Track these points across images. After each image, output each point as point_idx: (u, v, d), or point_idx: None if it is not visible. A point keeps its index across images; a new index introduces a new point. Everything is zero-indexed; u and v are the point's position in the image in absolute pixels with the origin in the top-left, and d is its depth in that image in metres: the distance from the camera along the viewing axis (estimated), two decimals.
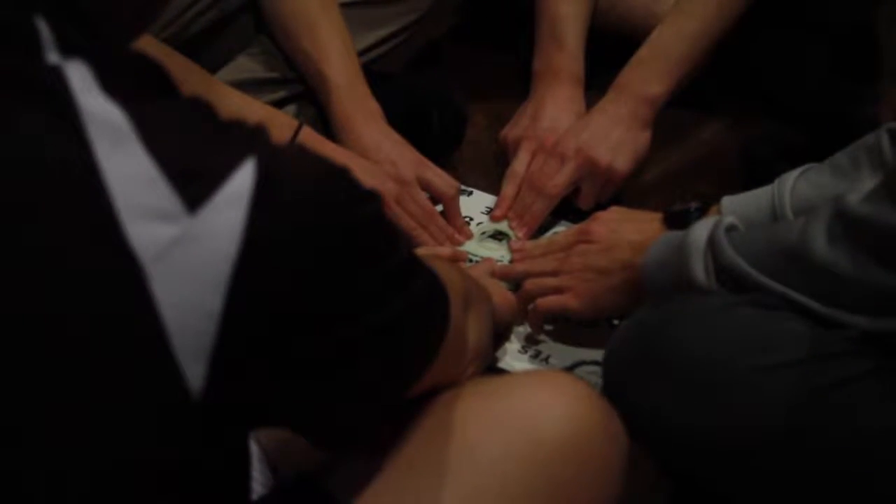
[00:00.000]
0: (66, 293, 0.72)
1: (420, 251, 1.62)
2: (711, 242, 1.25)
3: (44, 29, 0.75)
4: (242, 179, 0.74)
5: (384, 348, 0.84)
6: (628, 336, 1.27)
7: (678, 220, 1.51)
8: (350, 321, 0.79)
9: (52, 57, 0.74)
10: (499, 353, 1.55)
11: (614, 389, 1.23)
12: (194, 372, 0.74)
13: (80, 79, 0.74)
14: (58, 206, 0.72)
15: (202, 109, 0.79)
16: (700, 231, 1.27)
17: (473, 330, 1.09)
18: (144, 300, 0.72)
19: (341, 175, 0.79)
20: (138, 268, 0.72)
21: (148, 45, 1.59)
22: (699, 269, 1.25)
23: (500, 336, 1.49)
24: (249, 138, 0.77)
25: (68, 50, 0.75)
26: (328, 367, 0.80)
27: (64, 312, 0.72)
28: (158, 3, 0.86)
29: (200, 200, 0.73)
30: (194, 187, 0.73)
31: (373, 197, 0.81)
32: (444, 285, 0.92)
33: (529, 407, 1.00)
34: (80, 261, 0.72)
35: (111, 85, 0.74)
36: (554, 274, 1.52)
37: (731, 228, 1.27)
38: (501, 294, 1.45)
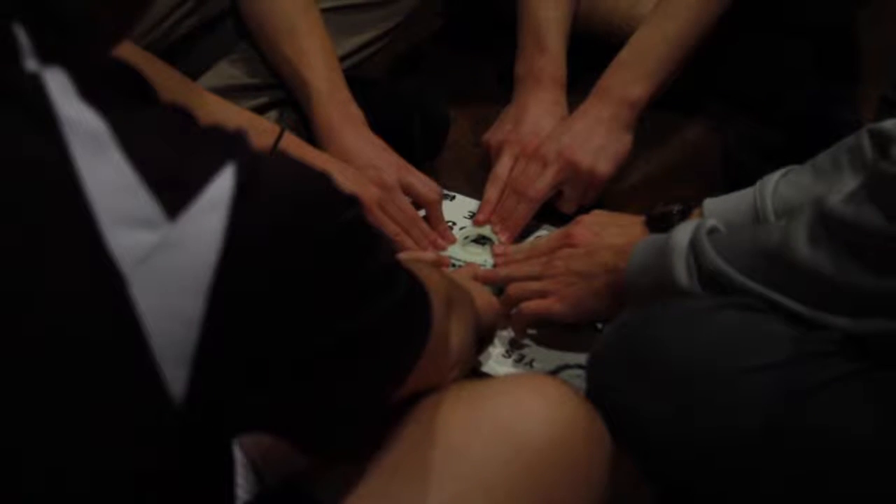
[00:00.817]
0: (46, 301, 0.72)
1: (403, 256, 1.62)
2: (693, 245, 1.25)
3: (21, 36, 0.75)
4: (222, 185, 0.74)
5: (365, 353, 0.84)
6: (611, 340, 1.26)
7: (660, 223, 1.51)
8: (330, 326, 0.79)
9: (31, 64, 0.74)
10: (482, 358, 1.54)
11: (598, 393, 1.23)
12: (176, 378, 0.74)
13: (59, 86, 0.74)
14: (37, 213, 0.72)
15: (181, 115, 0.79)
16: (682, 234, 1.27)
17: (456, 334, 1.09)
18: (125, 307, 0.72)
19: (321, 181, 0.79)
20: (118, 275, 0.72)
21: (128, 51, 1.57)
22: (682, 272, 1.25)
23: (483, 340, 1.48)
24: (229, 144, 0.77)
25: (47, 57, 0.74)
26: (309, 371, 0.80)
27: (44, 318, 0.72)
28: (137, 11, 0.86)
29: (180, 207, 0.73)
30: (174, 194, 0.73)
31: (353, 202, 0.81)
32: (425, 289, 0.92)
33: (512, 411, 1.00)
34: (60, 267, 0.72)
35: (90, 92, 0.74)
36: (537, 278, 1.52)
37: (712, 231, 1.27)
38: (484, 298, 1.45)
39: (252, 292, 0.75)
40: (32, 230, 0.72)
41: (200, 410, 0.75)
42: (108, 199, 0.72)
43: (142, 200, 0.72)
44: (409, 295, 0.90)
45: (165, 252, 0.72)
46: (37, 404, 0.73)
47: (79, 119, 0.73)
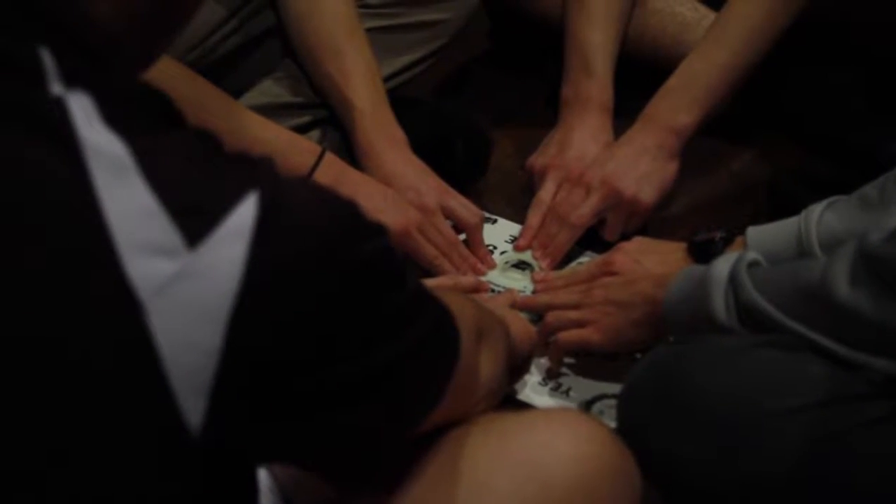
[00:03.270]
0: (65, 326, 0.71)
1: (439, 281, 1.61)
2: (732, 279, 1.23)
3: (47, 59, 0.74)
4: (244, 214, 0.73)
5: (389, 387, 0.82)
6: (644, 375, 1.25)
7: (702, 251, 1.50)
8: (353, 359, 0.78)
9: (56, 88, 0.73)
10: (518, 386, 1.53)
11: (629, 429, 1.21)
12: (193, 408, 0.73)
13: (83, 110, 0.73)
14: (58, 239, 0.72)
15: (207, 141, 0.78)
16: (722, 267, 1.25)
17: (486, 365, 1.07)
18: (142, 335, 0.71)
19: (347, 209, 0.78)
20: (137, 303, 0.71)
21: (172, 68, 1.59)
22: (720, 306, 1.23)
23: (519, 369, 1.47)
24: (253, 171, 0.76)
25: (71, 81, 0.74)
26: (330, 403, 0.79)
27: (62, 345, 0.71)
28: (167, 36, 0.85)
29: (201, 235, 0.72)
30: (195, 222, 0.72)
31: (379, 231, 0.80)
32: (454, 321, 0.91)
33: (540, 447, 0.98)
34: (79, 294, 0.71)
35: (114, 116, 0.73)
36: (576, 307, 1.50)
37: (753, 264, 1.25)
38: (521, 326, 1.43)
39: (272, 323, 0.73)
40: (54, 258, 0.71)
41: (219, 441, 0.74)
42: (127, 226, 0.71)
43: (162, 228, 0.71)
44: (437, 326, 0.88)
45: (185, 281, 0.71)
46: (53, 432, 0.72)
47: (101, 144, 0.72)
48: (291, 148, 1.68)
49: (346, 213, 0.78)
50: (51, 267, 0.71)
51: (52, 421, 0.72)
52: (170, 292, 0.71)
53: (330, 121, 1.83)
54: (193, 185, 0.74)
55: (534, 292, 1.67)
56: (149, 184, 0.72)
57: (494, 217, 1.86)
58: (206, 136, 0.78)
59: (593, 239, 1.78)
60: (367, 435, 0.85)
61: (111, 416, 0.72)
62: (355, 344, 0.78)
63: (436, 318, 0.88)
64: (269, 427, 0.77)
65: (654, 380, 1.23)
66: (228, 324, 0.72)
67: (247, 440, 0.77)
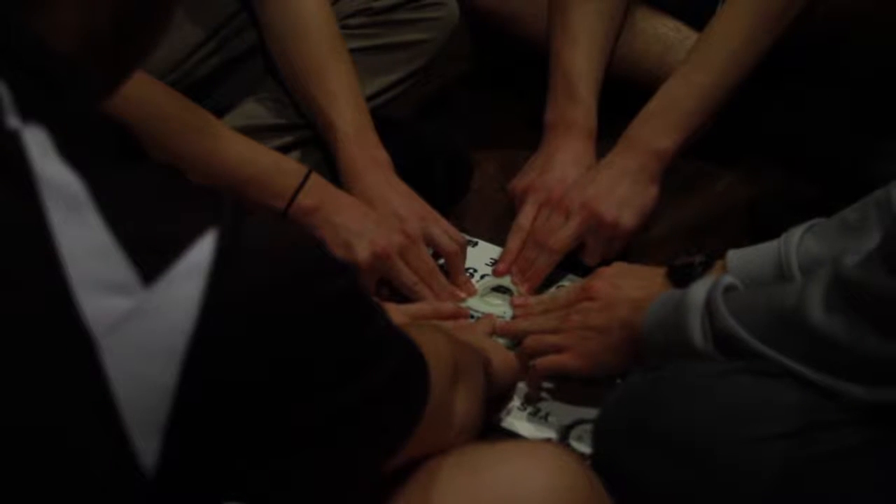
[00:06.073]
0: (15, 364, 0.70)
1: (419, 307, 1.60)
2: (709, 304, 1.22)
3: (4, 93, 0.73)
4: (202, 251, 0.72)
5: (352, 427, 0.81)
6: (619, 402, 1.24)
7: (681, 276, 1.48)
8: (313, 401, 0.77)
9: (12, 121, 0.73)
10: (501, 413, 1.51)
11: (603, 456, 1.20)
12: (147, 448, 0.72)
13: (38, 144, 0.72)
14: (9, 275, 0.70)
15: (168, 175, 0.77)
16: (698, 292, 1.24)
17: (462, 402, 1.06)
18: (95, 374, 0.70)
19: (310, 248, 0.77)
20: (90, 341, 0.70)
21: (156, 88, 1.58)
22: (696, 332, 1.22)
23: (502, 398, 1.46)
24: (214, 207, 0.74)
25: (29, 114, 0.73)
26: (288, 444, 0.78)
27: (12, 384, 0.70)
28: (129, 67, 0.85)
29: (157, 272, 0.71)
30: (151, 259, 0.71)
31: (343, 270, 0.79)
32: (424, 359, 0.90)
33: (511, 481, 0.98)
34: (30, 332, 0.70)
35: (71, 151, 0.73)
36: (554, 332, 1.49)
37: (730, 288, 1.24)
38: (502, 356, 1.42)
39: (228, 362, 0.72)
40: (3, 291, 0.70)
41: (175, 481, 0.73)
42: (82, 263, 0.70)
43: (117, 265, 0.71)
44: (405, 365, 0.87)
45: (139, 319, 0.70)
46: (3, 477, 0.71)
47: (57, 179, 0.71)
48: (276, 169, 1.67)
49: (309, 251, 0.77)
50: (1, 303, 0.70)
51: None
52: (124, 330, 0.70)
53: (310, 141, 1.82)
54: (150, 221, 0.73)
55: (513, 317, 1.66)
56: (104, 220, 0.71)
57: (475, 240, 1.85)
58: (168, 170, 0.77)
59: (574, 262, 1.77)
60: (329, 474, 0.84)
61: (64, 459, 0.71)
62: (315, 385, 0.77)
63: (405, 356, 0.87)
64: (226, 467, 0.76)
65: (628, 407, 1.22)
66: (183, 362, 0.71)
67: (202, 480, 0.75)
